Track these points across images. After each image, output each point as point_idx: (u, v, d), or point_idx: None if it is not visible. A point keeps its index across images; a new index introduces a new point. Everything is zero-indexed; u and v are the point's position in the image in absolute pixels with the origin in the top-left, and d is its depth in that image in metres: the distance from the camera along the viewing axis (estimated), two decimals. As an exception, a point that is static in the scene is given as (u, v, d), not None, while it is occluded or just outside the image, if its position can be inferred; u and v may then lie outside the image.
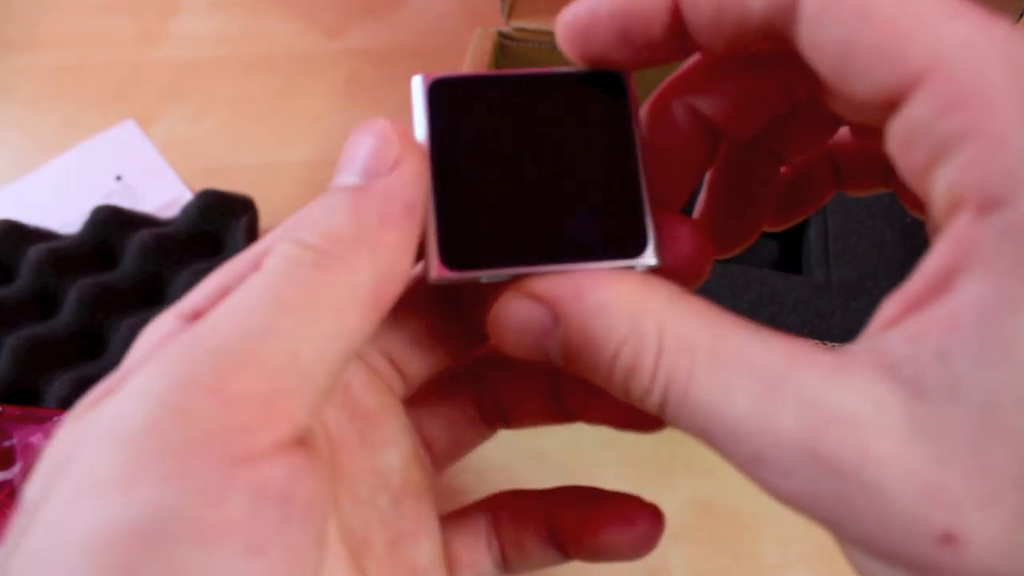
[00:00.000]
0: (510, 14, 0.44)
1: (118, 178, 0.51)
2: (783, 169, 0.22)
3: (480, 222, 0.17)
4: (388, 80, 0.56)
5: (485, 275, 0.17)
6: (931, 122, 0.12)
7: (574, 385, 0.20)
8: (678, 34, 0.16)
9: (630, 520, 0.19)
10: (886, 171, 0.20)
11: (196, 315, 0.15)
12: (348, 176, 0.17)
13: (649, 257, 0.17)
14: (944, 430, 0.12)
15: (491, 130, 0.17)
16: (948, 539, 0.11)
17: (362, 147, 0.17)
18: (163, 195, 0.50)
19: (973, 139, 0.12)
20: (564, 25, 0.17)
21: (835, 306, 0.39)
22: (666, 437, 0.44)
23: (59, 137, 0.52)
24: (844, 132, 0.21)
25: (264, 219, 0.48)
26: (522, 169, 0.17)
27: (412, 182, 0.16)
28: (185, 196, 0.49)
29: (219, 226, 0.46)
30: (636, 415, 0.19)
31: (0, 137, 0.53)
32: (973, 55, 0.12)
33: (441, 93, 0.17)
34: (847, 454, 0.12)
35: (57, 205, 0.49)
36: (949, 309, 0.12)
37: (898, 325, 0.13)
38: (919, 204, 0.19)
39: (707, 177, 0.21)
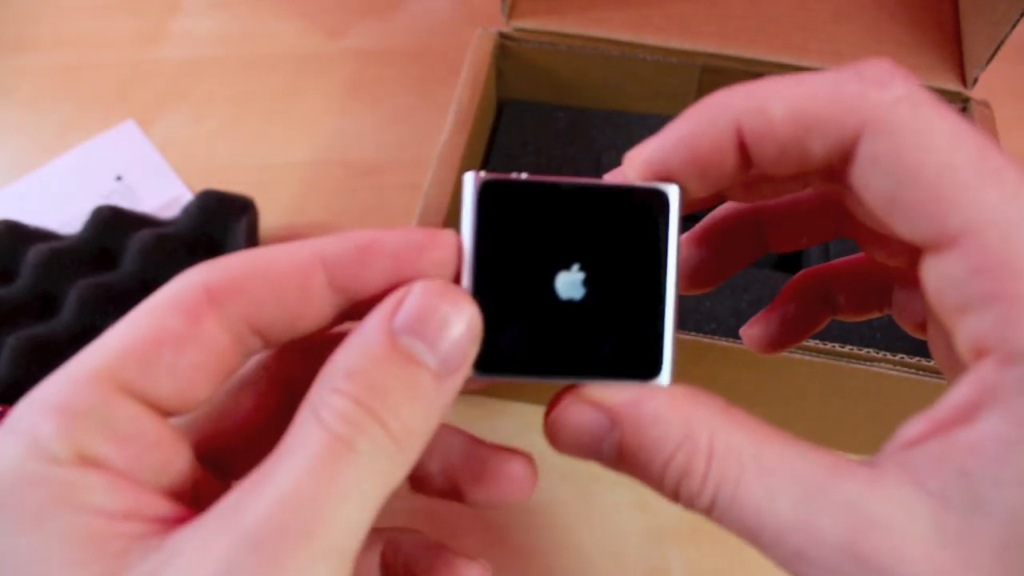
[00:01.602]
0: (510, 14, 0.44)
1: (118, 178, 0.51)
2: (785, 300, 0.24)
3: (510, 329, 0.18)
4: (388, 80, 0.56)
5: (507, 379, 0.18)
6: (964, 279, 0.15)
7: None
8: (746, 166, 0.17)
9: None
10: (881, 296, 0.23)
11: (219, 293, 0.16)
12: (429, 353, 0.16)
13: (663, 379, 0.18)
14: (969, 537, 0.14)
15: (534, 238, 0.18)
16: None
17: (454, 327, 0.16)
18: (163, 195, 0.50)
19: (1000, 301, 0.14)
20: (638, 168, 0.18)
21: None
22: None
23: (59, 137, 0.52)
24: (847, 262, 0.23)
25: (264, 219, 0.48)
26: (558, 281, 0.18)
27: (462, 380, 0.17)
28: (185, 196, 0.49)
29: (219, 226, 0.46)
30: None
31: (0, 137, 0.53)
32: (1005, 223, 0.14)
33: (491, 193, 0.17)
34: (884, 555, 0.14)
35: (57, 205, 0.49)
36: (972, 437, 0.14)
37: (923, 444, 0.15)
38: (919, 328, 0.22)
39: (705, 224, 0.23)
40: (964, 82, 0.42)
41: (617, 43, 0.44)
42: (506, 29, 0.44)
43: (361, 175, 0.51)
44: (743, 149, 0.17)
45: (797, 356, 0.32)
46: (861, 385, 0.33)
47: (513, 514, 0.40)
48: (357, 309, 0.17)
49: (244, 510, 0.14)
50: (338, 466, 0.14)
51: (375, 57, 0.57)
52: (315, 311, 0.17)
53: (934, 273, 0.15)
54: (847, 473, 0.15)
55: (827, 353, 0.32)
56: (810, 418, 0.38)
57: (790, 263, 0.44)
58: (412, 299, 0.16)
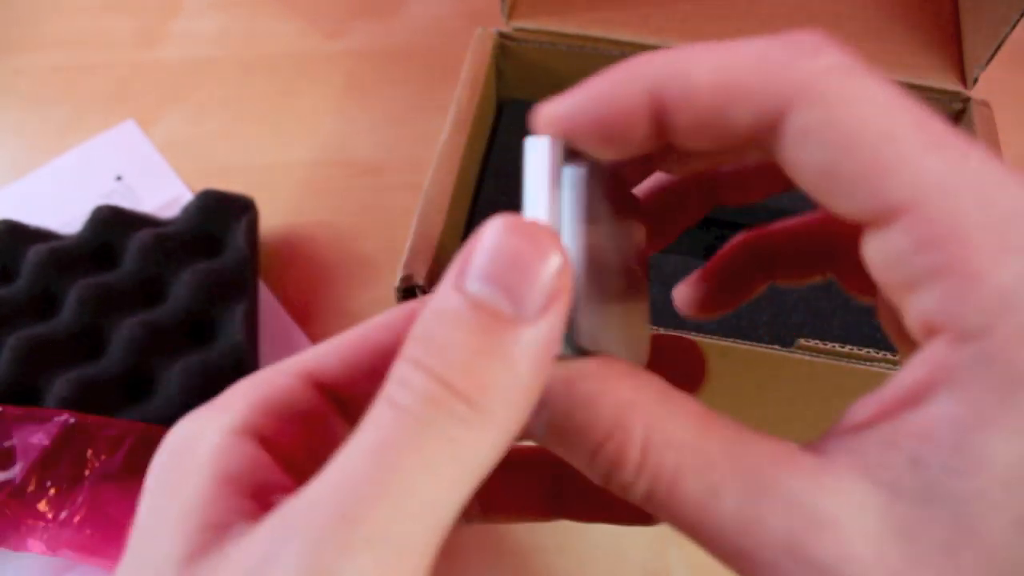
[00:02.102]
0: (510, 14, 0.44)
1: (118, 178, 0.51)
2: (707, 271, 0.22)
3: None
4: (388, 81, 0.56)
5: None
6: (910, 254, 0.13)
7: (575, 485, 0.20)
8: (658, 135, 0.16)
9: None
10: (824, 260, 0.21)
11: (323, 382, 0.17)
12: (498, 296, 0.14)
13: (565, 347, 0.16)
14: (919, 532, 0.13)
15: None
16: None
17: (520, 265, 0.14)
18: (163, 195, 0.50)
19: (949, 275, 0.13)
20: (543, 124, 0.16)
21: (835, 306, 0.39)
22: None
23: (59, 137, 0.52)
24: (787, 226, 0.21)
25: (264, 219, 0.48)
26: None
27: (561, 324, 0.15)
28: (185, 196, 0.49)
29: (219, 226, 0.46)
30: (630, 513, 0.19)
31: (0, 137, 0.53)
32: (950, 192, 0.13)
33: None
34: (830, 555, 0.13)
35: (57, 205, 0.49)
36: (923, 422, 0.13)
37: (872, 428, 0.14)
38: (865, 291, 0.20)
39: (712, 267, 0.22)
40: (964, 82, 0.42)
41: (617, 43, 0.44)
42: (506, 29, 0.44)
43: (361, 175, 0.51)
44: (658, 117, 0.15)
45: (797, 356, 0.32)
46: (861, 385, 0.33)
47: (513, 514, 0.40)
48: None
49: (296, 501, 0.13)
50: (397, 440, 0.13)
51: (375, 57, 0.57)
52: None
53: (877, 249, 0.14)
54: (792, 465, 0.14)
55: (827, 353, 0.32)
56: (810, 419, 0.38)
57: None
58: (484, 241, 0.14)
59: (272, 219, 0.48)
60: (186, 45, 0.58)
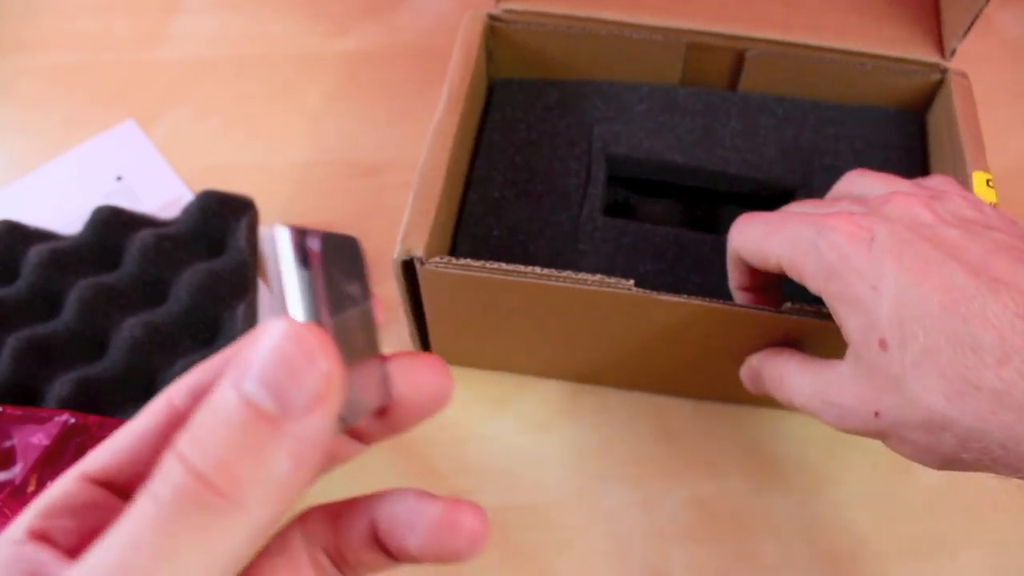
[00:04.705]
0: (500, -4, 0.44)
1: (118, 178, 0.51)
2: None
3: None
4: (388, 80, 0.56)
5: None
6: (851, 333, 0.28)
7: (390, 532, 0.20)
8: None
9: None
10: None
11: (96, 478, 0.18)
12: (266, 396, 0.15)
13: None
14: (869, 373, 0.27)
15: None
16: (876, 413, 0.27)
17: (290, 369, 0.15)
18: (163, 195, 0.50)
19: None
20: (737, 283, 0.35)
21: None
22: (666, 437, 0.44)
23: (59, 137, 0.52)
24: None
25: (264, 219, 0.48)
26: None
27: (332, 425, 0.16)
28: (185, 196, 0.49)
29: (220, 227, 0.46)
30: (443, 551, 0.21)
31: (0, 137, 0.53)
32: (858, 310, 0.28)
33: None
34: (832, 395, 0.29)
35: (57, 205, 0.49)
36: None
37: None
38: None
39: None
40: (942, 53, 0.43)
41: (604, 22, 0.44)
42: (495, 11, 0.44)
43: (361, 175, 0.51)
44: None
45: (783, 317, 0.33)
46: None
47: (513, 514, 0.40)
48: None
49: None
50: (149, 528, 0.14)
51: (375, 57, 0.57)
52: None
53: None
54: (819, 367, 0.30)
55: (813, 314, 0.33)
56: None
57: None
58: (263, 343, 0.15)
59: (272, 219, 0.48)
60: (186, 45, 0.58)
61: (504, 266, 0.34)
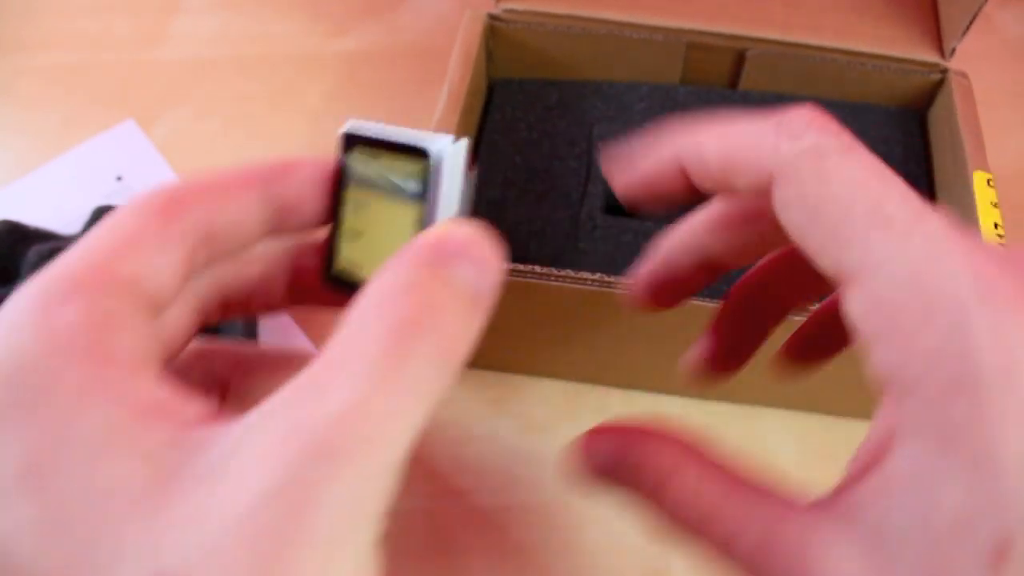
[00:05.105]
0: (501, -5, 0.44)
1: (118, 178, 0.51)
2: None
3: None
4: (388, 80, 0.56)
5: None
6: (861, 316, 0.16)
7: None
8: (695, 190, 0.20)
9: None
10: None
11: (181, 199, 0.18)
12: (469, 275, 0.17)
13: None
14: (895, 574, 0.15)
15: None
16: None
17: (488, 254, 0.17)
18: (163, 195, 0.50)
19: (885, 342, 0.16)
20: (619, 186, 0.22)
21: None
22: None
23: (59, 137, 0.52)
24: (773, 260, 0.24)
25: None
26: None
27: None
28: (185, 196, 0.49)
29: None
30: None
31: (0, 137, 0.53)
32: (887, 271, 0.16)
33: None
34: None
35: (57, 205, 0.49)
36: (886, 480, 0.16)
37: (858, 484, 0.16)
38: None
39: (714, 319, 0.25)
40: (942, 53, 0.43)
41: (604, 22, 0.44)
42: (495, 11, 0.44)
43: (361, 175, 0.51)
44: (686, 180, 0.20)
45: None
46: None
47: (513, 514, 0.40)
48: (280, 222, 0.20)
49: (307, 417, 0.14)
50: (398, 376, 0.14)
51: (375, 57, 0.57)
52: (254, 221, 0.19)
53: (846, 306, 0.17)
54: (795, 520, 0.17)
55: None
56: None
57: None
58: (445, 230, 0.17)
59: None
60: (186, 45, 0.58)
61: (504, 265, 0.34)
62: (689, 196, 0.21)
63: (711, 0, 0.45)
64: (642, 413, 0.43)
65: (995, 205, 0.37)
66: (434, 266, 0.16)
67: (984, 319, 0.15)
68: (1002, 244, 0.36)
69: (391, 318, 0.15)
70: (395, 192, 0.20)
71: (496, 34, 0.45)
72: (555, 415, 0.43)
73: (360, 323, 0.15)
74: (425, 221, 0.19)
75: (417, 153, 0.20)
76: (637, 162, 0.21)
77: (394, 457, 0.14)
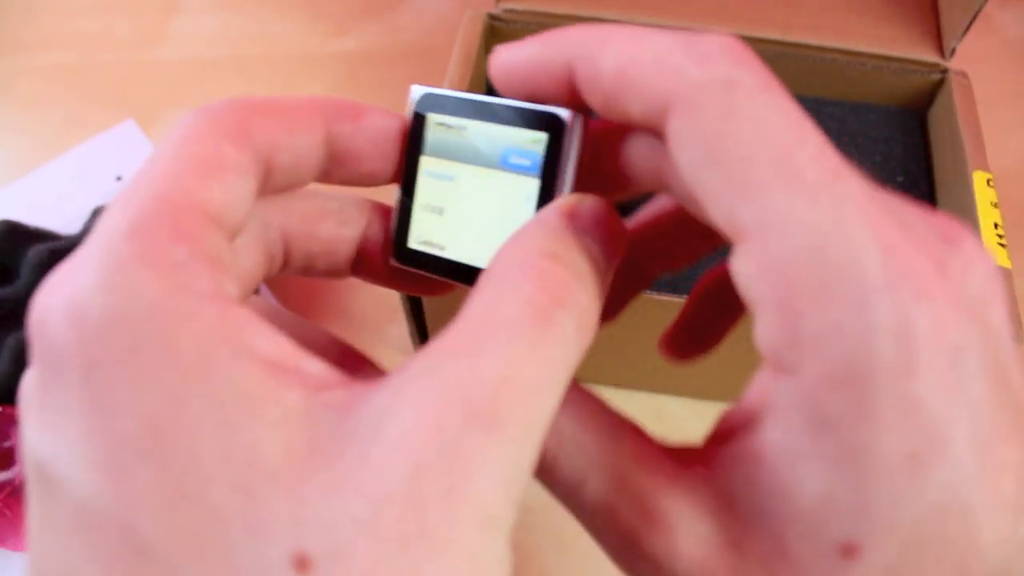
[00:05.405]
0: (501, -5, 0.44)
1: (118, 178, 0.51)
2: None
3: (422, 231, 0.19)
4: (388, 80, 0.56)
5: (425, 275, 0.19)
6: (749, 280, 0.14)
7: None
8: (579, 100, 0.17)
9: None
10: None
11: (250, 121, 0.16)
12: (600, 253, 0.16)
13: None
14: (743, 544, 0.14)
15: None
16: None
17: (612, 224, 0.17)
18: (163, 195, 0.50)
19: (771, 310, 0.14)
20: (497, 66, 0.18)
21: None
22: (666, 436, 0.43)
23: (59, 137, 0.52)
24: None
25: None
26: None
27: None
28: (185, 196, 0.49)
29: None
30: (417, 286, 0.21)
31: (0, 137, 0.53)
32: (788, 231, 0.13)
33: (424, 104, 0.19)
34: (660, 551, 0.15)
35: (57, 205, 0.49)
36: (756, 445, 0.14)
37: (728, 442, 0.15)
38: None
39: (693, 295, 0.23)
40: (942, 53, 0.43)
41: (604, 22, 0.44)
42: (495, 11, 0.44)
43: (361, 175, 0.51)
44: (574, 87, 0.17)
45: None
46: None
47: (513, 514, 0.40)
48: (338, 169, 0.18)
49: (462, 382, 0.13)
50: (546, 345, 0.14)
51: (375, 57, 0.57)
52: (314, 159, 0.17)
53: (736, 265, 0.14)
54: (652, 467, 0.15)
55: None
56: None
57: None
58: (577, 202, 0.16)
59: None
60: (186, 45, 0.58)
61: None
62: (571, 103, 0.17)
63: (711, 0, 0.45)
64: (643, 414, 0.43)
65: (995, 205, 0.37)
66: (573, 238, 0.16)
67: (887, 307, 0.13)
68: (1001, 244, 0.36)
69: (535, 286, 0.14)
70: (496, 165, 0.18)
71: (496, 34, 0.45)
72: (555, 415, 0.42)
73: (502, 287, 0.14)
74: (544, 195, 0.18)
75: (535, 124, 0.18)
76: (524, 48, 0.17)
77: (543, 429, 0.13)
